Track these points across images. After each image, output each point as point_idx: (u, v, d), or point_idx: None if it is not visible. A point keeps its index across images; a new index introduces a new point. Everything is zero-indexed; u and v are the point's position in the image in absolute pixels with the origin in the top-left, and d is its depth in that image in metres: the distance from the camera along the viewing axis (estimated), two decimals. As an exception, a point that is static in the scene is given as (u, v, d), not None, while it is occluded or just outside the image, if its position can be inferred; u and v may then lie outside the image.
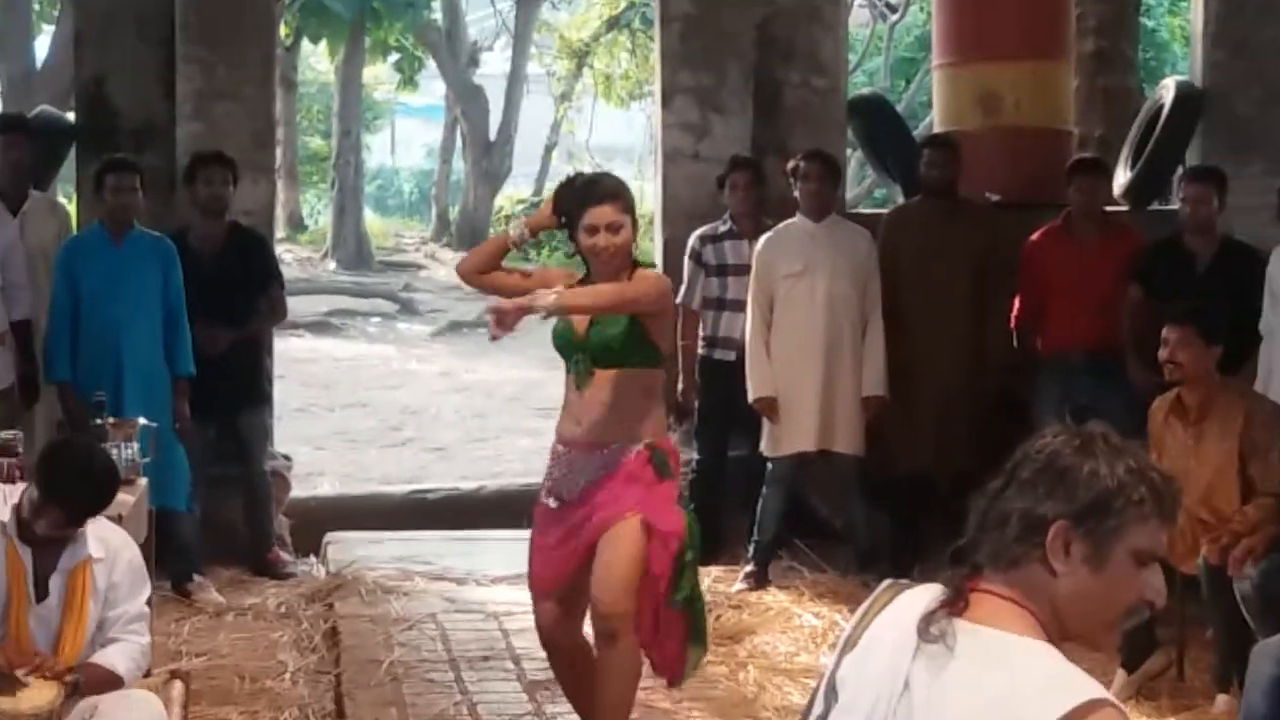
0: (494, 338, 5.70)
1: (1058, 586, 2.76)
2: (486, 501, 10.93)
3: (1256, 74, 10.25)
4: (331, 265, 29.34)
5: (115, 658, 5.48)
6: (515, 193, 34.19)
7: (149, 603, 5.81)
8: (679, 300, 9.44)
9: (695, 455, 9.61)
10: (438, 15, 31.48)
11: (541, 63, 33.30)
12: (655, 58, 10.82)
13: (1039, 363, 9.26)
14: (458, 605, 8.51)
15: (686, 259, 9.56)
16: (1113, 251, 9.06)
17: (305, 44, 30.88)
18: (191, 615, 8.47)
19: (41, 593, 5.44)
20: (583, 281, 5.99)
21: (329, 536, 9.94)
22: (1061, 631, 2.77)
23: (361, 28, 29.56)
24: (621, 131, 36.19)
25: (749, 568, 9.14)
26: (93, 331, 8.62)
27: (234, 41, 9.83)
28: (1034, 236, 9.29)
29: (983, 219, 9.61)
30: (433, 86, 35.12)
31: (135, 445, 7.07)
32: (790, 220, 9.22)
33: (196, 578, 8.90)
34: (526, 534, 6.27)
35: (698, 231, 9.61)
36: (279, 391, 10.26)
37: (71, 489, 5.34)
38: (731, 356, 9.34)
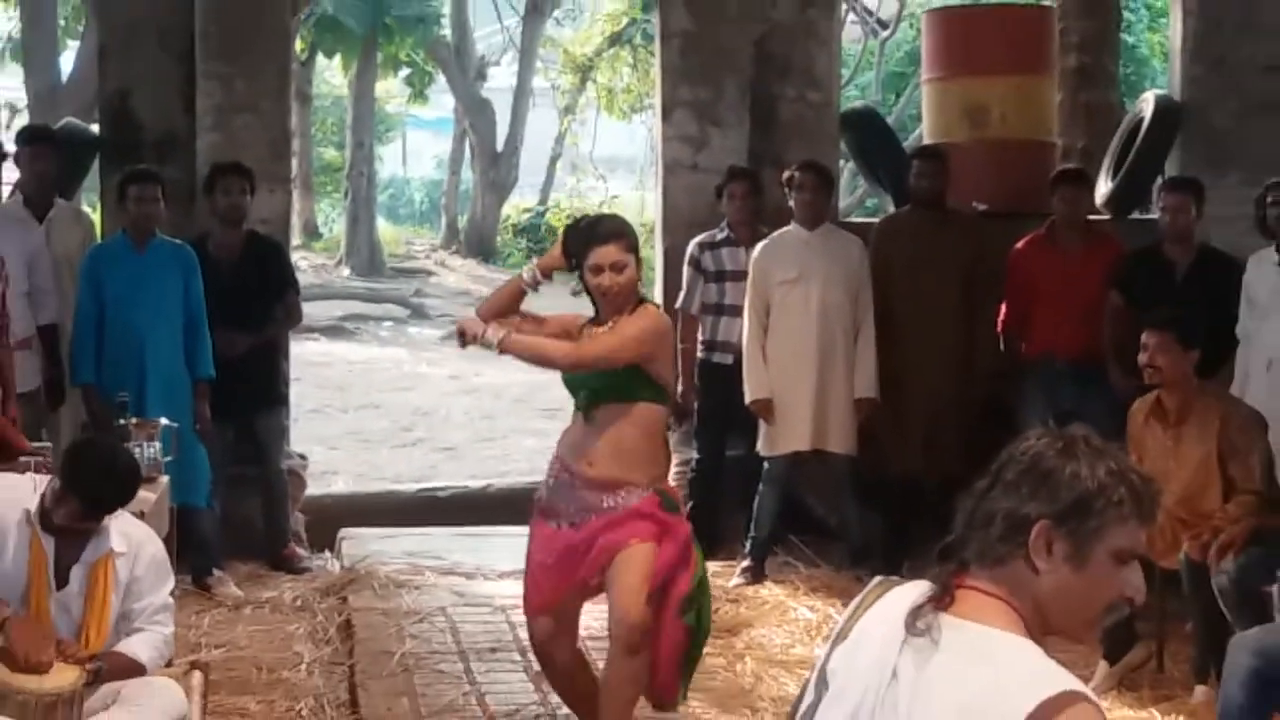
0: (462, 346, 5.94)
1: (1040, 584, 2.76)
2: (494, 499, 10.92)
3: (1233, 88, 10.25)
4: (345, 272, 29.31)
5: (138, 647, 5.50)
6: (521, 202, 34.16)
7: (173, 595, 5.82)
8: (678, 305, 9.49)
9: (695, 455, 9.62)
10: (447, 31, 31.47)
11: (547, 77, 33.27)
12: (656, 72, 10.82)
13: (1024, 367, 9.25)
14: (467, 599, 8.50)
15: (686, 265, 9.56)
16: (1095, 259, 9.06)
17: (320, 59, 30.90)
18: (211, 608, 8.47)
19: (62, 581, 5.46)
20: (593, 320, 5.99)
21: (343, 533, 9.94)
22: (1044, 626, 2.77)
23: (374, 43, 29.56)
24: (623, 143, 36.16)
25: (746, 563, 9.14)
26: (116, 336, 8.62)
27: (252, 57, 9.84)
28: (1019, 245, 9.29)
29: (970, 228, 9.61)
30: (442, 100, 35.08)
31: (157, 445, 7.08)
32: (785, 229, 9.22)
33: (216, 572, 8.90)
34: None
35: (697, 239, 9.61)
36: (295, 393, 10.25)
37: (94, 485, 5.35)
38: (729, 360, 9.35)
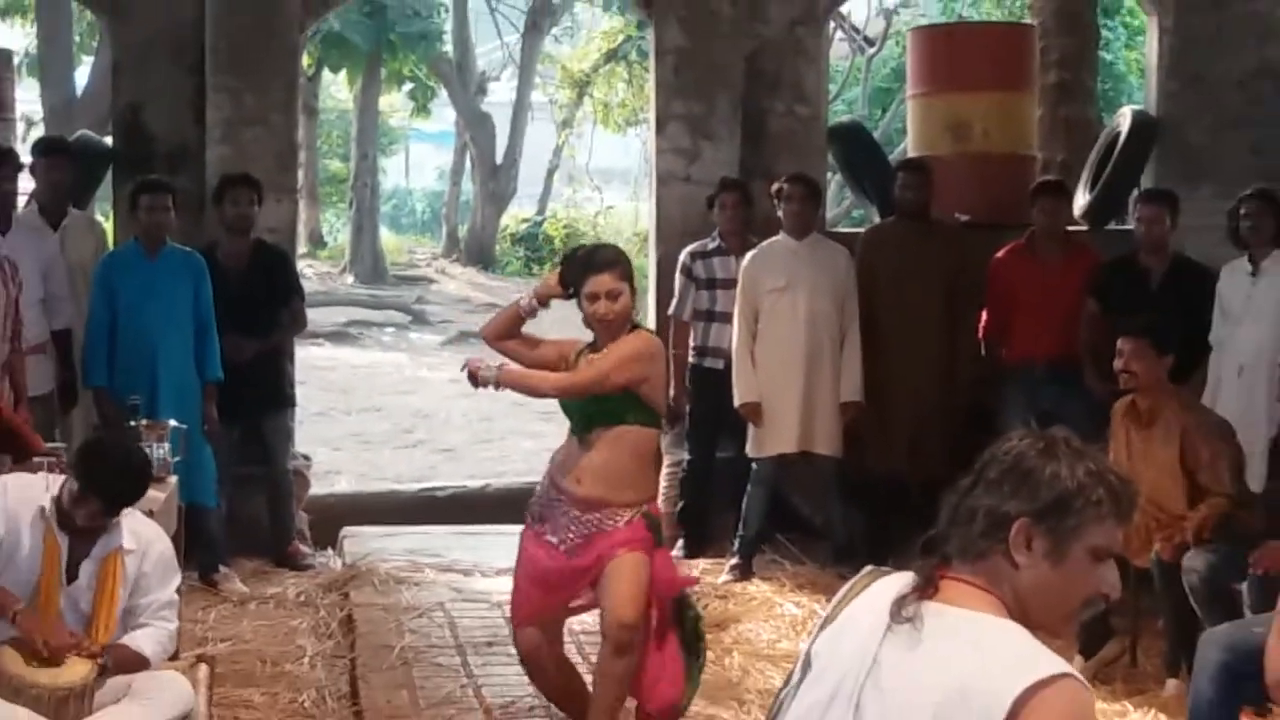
0: (475, 387, 5.96)
1: (1020, 579, 2.76)
2: (492, 499, 10.90)
3: (1207, 105, 10.27)
4: (349, 279, 29.28)
5: (143, 641, 5.49)
6: (520, 212, 34.11)
7: (179, 591, 5.81)
8: (671, 312, 9.49)
9: (686, 456, 9.61)
10: (449, 48, 31.43)
11: (545, 92, 33.24)
12: (650, 88, 10.82)
13: (1004, 373, 9.24)
14: (464, 595, 8.48)
15: (678, 273, 9.56)
16: (1073, 268, 9.06)
17: (326, 74, 30.85)
18: (217, 603, 8.46)
19: (71, 576, 5.46)
20: (591, 347, 6.01)
21: (345, 531, 9.93)
22: (1024, 621, 2.77)
23: (378, 59, 29.54)
24: (619, 156, 36.14)
25: (734, 560, 9.13)
26: (128, 340, 8.60)
27: (260, 72, 9.83)
28: (1000, 254, 9.29)
29: (953, 238, 9.60)
30: (444, 114, 35.06)
31: (167, 445, 7.05)
32: (774, 238, 9.21)
33: (222, 569, 8.88)
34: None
35: (689, 248, 9.60)
36: (300, 396, 10.22)
37: (109, 481, 5.35)
38: (720, 365, 9.34)
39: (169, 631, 5.62)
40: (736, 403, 9.10)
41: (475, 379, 5.89)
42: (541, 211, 33.72)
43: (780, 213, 9.20)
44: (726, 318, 9.27)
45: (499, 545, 9.03)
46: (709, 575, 9.01)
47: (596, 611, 6.08)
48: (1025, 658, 2.66)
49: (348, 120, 33.75)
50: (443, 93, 32.09)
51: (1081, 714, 2.67)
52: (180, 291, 8.66)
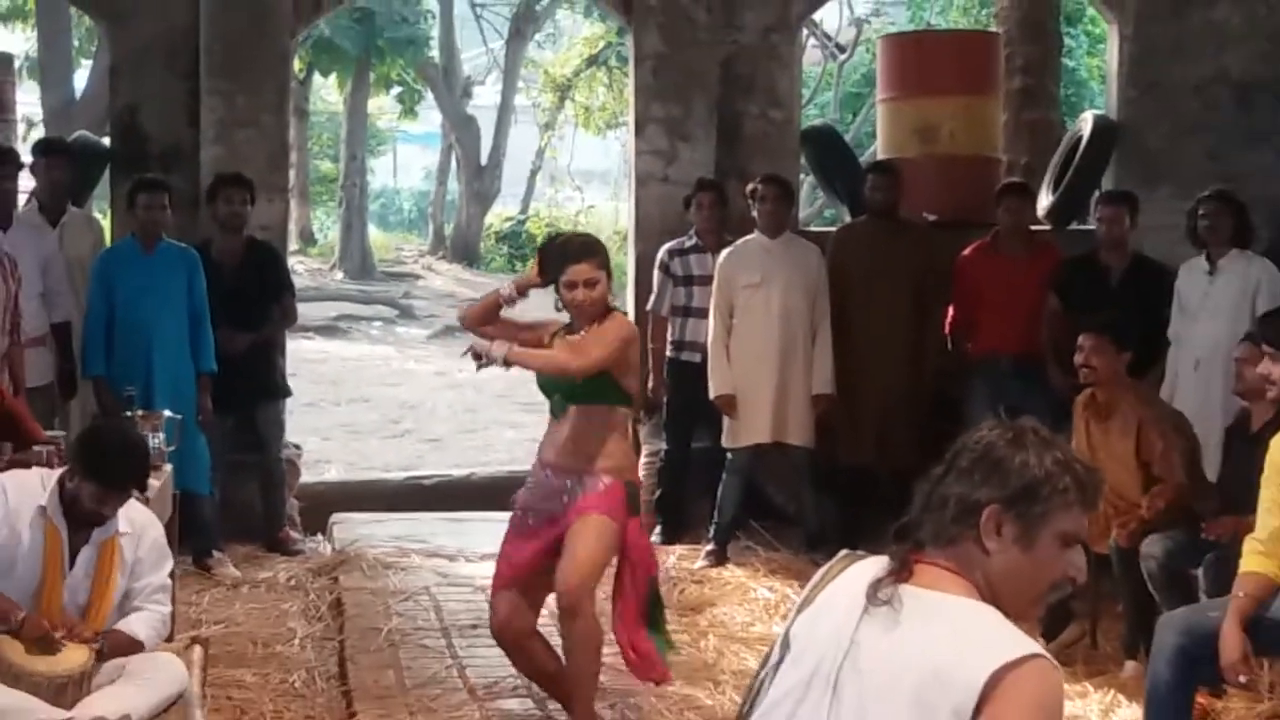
0: (477, 369, 5.98)
1: (990, 564, 2.76)
2: (476, 486, 10.88)
3: (1165, 111, 10.28)
4: (339, 275, 29.20)
5: (137, 625, 5.46)
6: (503, 211, 34.06)
7: (171, 576, 5.79)
8: (649, 307, 9.48)
9: (663, 446, 9.61)
10: (435, 53, 31.35)
11: (528, 96, 33.17)
12: (630, 92, 10.81)
13: (970, 366, 9.24)
14: (449, 579, 8.47)
15: (656, 270, 9.55)
16: (1036, 266, 9.06)
17: (317, 78, 30.77)
18: (211, 587, 8.44)
19: (70, 564, 5.41)
20: (567, 329, 6.05)
21: (334, 517, 9.90)
22: (994, 603, 2.76)
23: (367, 64, 29.44)
24: (599, 157, 36.14)
25: (710, 547, 9.12)
26: (125, 333, 8.59)
27: (253, 75, 9.81)
28: (965, 252, 9.29)
29: (921, 237, 9.60)
30: (431, 116, 34.97)
31: (161, 435, 7.03)
32: (749, 237, 9.21)
33: (215, 554, 8.86)
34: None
35: (666, 246, 9.60)
36: (291, 388, 10.18)
37: (111, 464, 5.32)
38: (697, 358, 9.33)
39: (162, 615, 5.59)
40: (712, 395, 9.09)
41: (481, 359, 5.87)
42: (524, 211, 33.67)
43: (755, 212, 9.19)
44: (703, 313, 9.26)
45: (483, 531, 9.02)
46: (685, 561, 9.01)
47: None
48: (998, 639, 2.66)
49: (337, 122, 33.64)
50: (429, 96, 32.02)
51: (1051, 693, 2.66)
52: (175, 285, 8.65)
